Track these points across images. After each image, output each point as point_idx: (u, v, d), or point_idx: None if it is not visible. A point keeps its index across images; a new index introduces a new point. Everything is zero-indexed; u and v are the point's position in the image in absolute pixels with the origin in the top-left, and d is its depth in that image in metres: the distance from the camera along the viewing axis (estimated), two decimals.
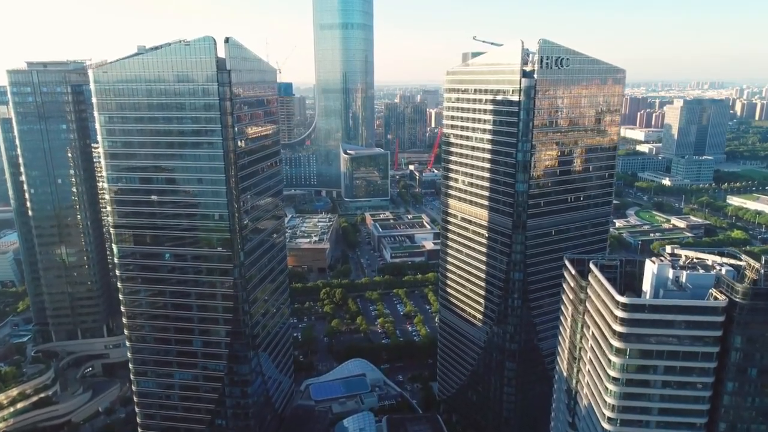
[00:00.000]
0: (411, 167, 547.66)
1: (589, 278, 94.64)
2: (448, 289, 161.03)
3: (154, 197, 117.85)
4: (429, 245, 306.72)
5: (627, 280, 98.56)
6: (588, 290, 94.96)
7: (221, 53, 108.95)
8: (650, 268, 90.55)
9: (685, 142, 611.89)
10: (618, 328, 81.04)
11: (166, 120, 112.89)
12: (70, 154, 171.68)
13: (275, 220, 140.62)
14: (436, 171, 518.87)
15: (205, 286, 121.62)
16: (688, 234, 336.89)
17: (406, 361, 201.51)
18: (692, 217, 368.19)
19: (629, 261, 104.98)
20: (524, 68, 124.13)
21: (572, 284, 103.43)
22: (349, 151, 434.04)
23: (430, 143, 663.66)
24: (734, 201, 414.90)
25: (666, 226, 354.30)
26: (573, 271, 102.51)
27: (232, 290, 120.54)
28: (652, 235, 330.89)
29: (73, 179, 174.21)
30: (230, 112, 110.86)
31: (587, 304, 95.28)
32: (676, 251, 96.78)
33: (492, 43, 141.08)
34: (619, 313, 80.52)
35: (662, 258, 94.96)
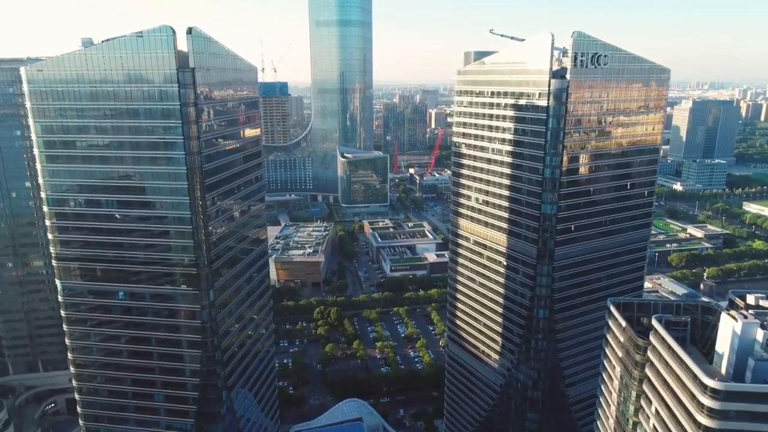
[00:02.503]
0: (411, 170, 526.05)
1: (651, 337, 73.54)
2: (458, 321, 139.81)
3: (117, 216, 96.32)
4: (431, 257, 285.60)
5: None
6: (649, 353, 73.86)
7: (183, 47, 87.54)
8: (729, 324, 69.61)
9: (693, 144, 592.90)
10: (704, 420, 59.99)
11: (116, 130, 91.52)
12: (26, 164, 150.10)
13: (256, 236, 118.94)
14: (437, 174, 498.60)
15: (168, 330, 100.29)
16: (707, 244, 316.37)
17: (407, 393, 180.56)
18: (710, 226, 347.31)
19: (689, 305, 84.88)
20: (553, 67, 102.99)
21: (621, 338, 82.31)
22: (346, 155, 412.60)
23: (430, 145, 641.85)
24: (751, 208, 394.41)
25: (682, 235, 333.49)
26: (622, 322, 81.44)
27: (199, 336, 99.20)
28: (668, 245, 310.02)
29: (31, 192, 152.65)
30: (195, 119, 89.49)
31: (648, 371, 74.19)
32: (761, 302, 75.83)
33: (512, 38, 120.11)
34: (707, 402, 59.46)
35: (743, 312, 73.99)
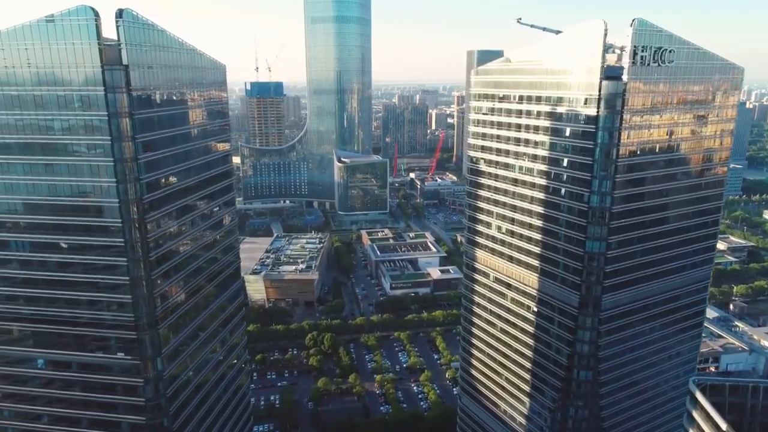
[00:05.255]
0: (412, 175, 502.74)
1: None
2: (473, 371, 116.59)
3: (33, 262, 72.35)
4: (435, 273, 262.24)
5: None
6: None
7: (111, 34, 64.11)
8: None
9: None
10: None
11: (24, 149, 67.96)
12: None
13: (226, 265, 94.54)
14: (438, 179, 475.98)
15: (103, 410, 76.68)
16: (731, 258, 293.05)
17: None
18: (732, 237, 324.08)
19: None
20: (605, 65, 79.66)
21: None
22: (343, 159, 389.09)
23: (431, 147, 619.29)
24: None
25: None
26: (722, 424, 58.20)
27: (143, 418, 75.58)
28: None
29: None
30: (130, 135, 66.07)
31: None
32: None
33: (544, 29, 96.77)
34: None
35: None
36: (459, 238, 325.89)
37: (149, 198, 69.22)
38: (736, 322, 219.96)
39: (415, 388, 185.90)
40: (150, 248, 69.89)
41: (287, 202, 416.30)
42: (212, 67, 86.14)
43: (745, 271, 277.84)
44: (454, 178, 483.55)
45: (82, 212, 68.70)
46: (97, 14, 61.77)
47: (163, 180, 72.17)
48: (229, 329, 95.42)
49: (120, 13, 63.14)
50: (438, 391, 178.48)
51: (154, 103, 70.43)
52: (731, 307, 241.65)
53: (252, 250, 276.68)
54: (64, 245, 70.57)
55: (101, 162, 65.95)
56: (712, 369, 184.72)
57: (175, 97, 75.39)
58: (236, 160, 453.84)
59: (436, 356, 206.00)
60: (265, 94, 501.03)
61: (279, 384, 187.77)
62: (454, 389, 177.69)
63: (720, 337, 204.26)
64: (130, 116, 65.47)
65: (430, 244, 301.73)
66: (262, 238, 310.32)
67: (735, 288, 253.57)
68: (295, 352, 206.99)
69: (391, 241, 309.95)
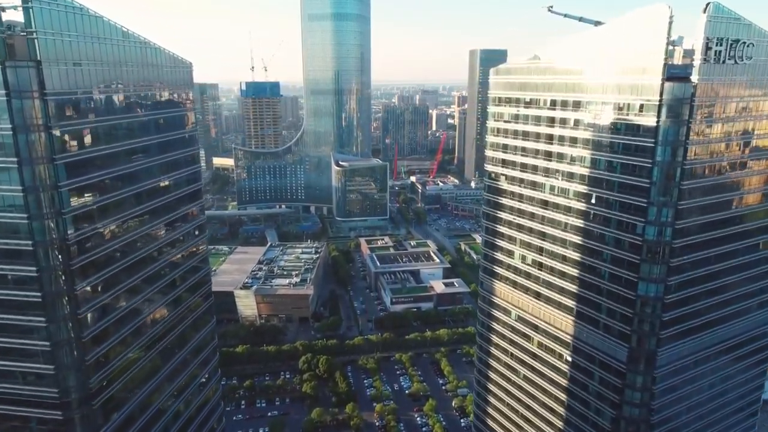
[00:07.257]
0: (412, 178, 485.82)
1: None
2: (490, 422, 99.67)
3: None
4: (439, 287, 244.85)
5: None
6: None
7: (17, 17, 47.20)
8: None
9: None
10: None
11: None
12: None
13: (193, 305, 77.81)
14: (440, 183, 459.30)
15: None
16: None
17: None
18: None
19: None
20: (669, 62, 62.75)
21: None
22: (341, 162, 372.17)
23: (432, 148, 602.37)
24: None
25: None
26: None
27: None
28: None
29: None
30: (46, 155, 48.97)
31: None
32: None
33: (581, 19, 79.75)
34: None
35: None
36: (463, 247, 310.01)
37: (76, 238, 52.16)
38: None
39: (418, 419, 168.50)
40: (79, 303, 52.91)
41: (283, 206, 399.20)
42: (172, 65, 68.89)
43: None
44: (456, 181, 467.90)
45: None
46: None
47: (97, 213, 55.06)
48: (197, 384, 78.39)
49: None
50: (444, 423, 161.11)
51: (84, 112, 53.34)
52: None
53: (244, 261, 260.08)
54: None
55: (6, 191, 48.97)
56: None
57: (116, 104, 58.28)
58: (230, 162, 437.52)
59: (440, 381, 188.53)
60: (261, 94, 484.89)
61: (269, 414, 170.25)
62: (462, 420, 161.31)
63: None
64: (45, 129, 48.48)
65: (432, 254, 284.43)
66: (255, 248, 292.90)
67: None
68: (287, 377, 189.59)
69: (392, 250, 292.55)
